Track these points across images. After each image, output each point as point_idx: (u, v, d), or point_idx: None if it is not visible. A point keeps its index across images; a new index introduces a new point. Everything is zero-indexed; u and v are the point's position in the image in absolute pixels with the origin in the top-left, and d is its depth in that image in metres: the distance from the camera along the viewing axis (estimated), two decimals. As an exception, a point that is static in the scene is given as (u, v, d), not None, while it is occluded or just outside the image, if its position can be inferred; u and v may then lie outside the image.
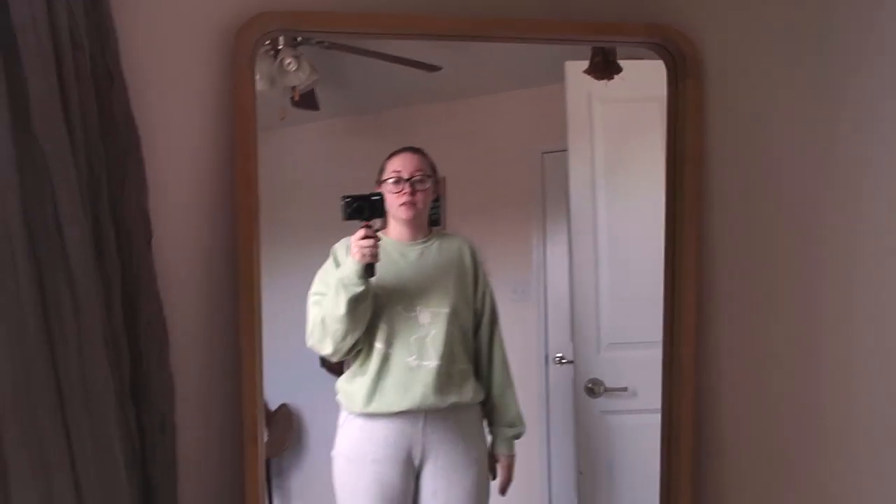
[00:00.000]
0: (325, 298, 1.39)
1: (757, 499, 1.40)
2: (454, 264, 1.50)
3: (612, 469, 1.62)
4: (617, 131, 1.64)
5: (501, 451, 1.54)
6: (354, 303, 1.36)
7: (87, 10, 0.99)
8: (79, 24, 0.97)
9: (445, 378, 1.42)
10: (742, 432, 1.42)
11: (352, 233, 1.40)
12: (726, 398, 1.41)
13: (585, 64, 1.53)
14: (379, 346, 1.41)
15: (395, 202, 1.49)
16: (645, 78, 1.49)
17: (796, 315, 1.36)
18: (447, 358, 1.42)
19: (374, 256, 1.36)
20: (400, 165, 1.48)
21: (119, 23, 1.05)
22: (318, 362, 1.78)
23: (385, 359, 1.41)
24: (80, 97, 0.98)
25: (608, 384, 1.57)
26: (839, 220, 1.32)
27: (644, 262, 1.50)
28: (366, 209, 1.36)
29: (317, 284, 1.42)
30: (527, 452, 1.68)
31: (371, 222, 1.37)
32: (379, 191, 1.46)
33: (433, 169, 1.53)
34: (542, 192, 1.78)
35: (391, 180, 1.47)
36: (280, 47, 1.49)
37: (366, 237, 1.35)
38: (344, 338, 1.39)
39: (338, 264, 1.41)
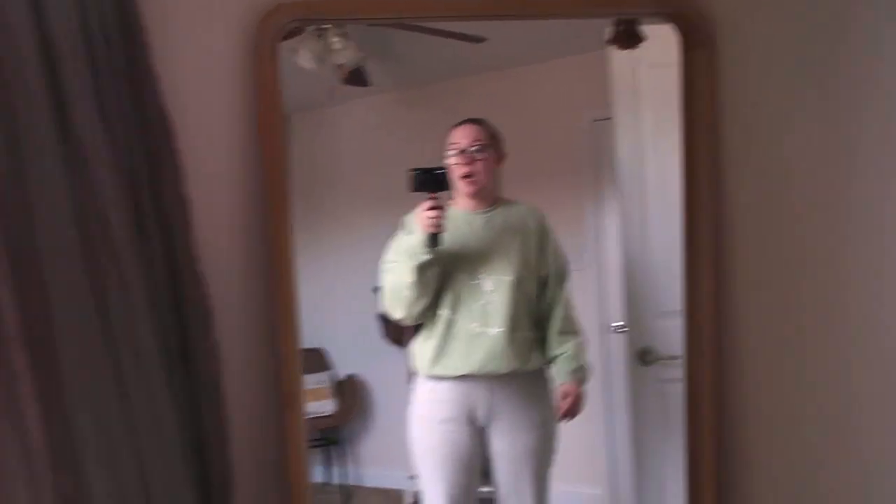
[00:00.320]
0: (396, 266, 1.46)
1: (783, 466, 1.39)
2: (519, 232, 1.52)
3: (667, 438, 1.59)
4: (664, 96, 1.57)
5: (560, 378, 1.55)
6: (421, 271, 1.43)
7: (116, 10, 1.07)
8: (110, 23, 1.06)
9: (507, 345, 1.47)
10: (765, 398, 1.41)
11: (418, 203, 1.47)
12: (748, 363, 1.40)
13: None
14: (444, 312, 1.48)
15: (456, 174, 1.53)
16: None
17: (817, 278, 1.34)
18: (509, 325, 1.46)
19: (439, 227, 1.42)
20: (458, 137, 1.53)
21: (148, 19, 1.13)
22: (382, 334, 1.85)
23: (449, 324, 1.48)
24: (115, 92, 1.07)
25: (660, 352, 1.54)
26: (857, 185, 1.30)
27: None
28: (431, 181, 1.41)
29: (390, 253, 1.50)
30: (586, 421, 1.69)
31: (437, 194, 1.41)
32: (445, 164, 1.50)
33: (495, 138, 1.54)
34: (594, 159, 1.75)
35: (452, 152, 1.49)
36: (326, 27, 1.52)
37: (431, 208, 1.40)
38: (413, 303, 1.46)
39: (408, 234, 1.48)
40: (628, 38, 1.48)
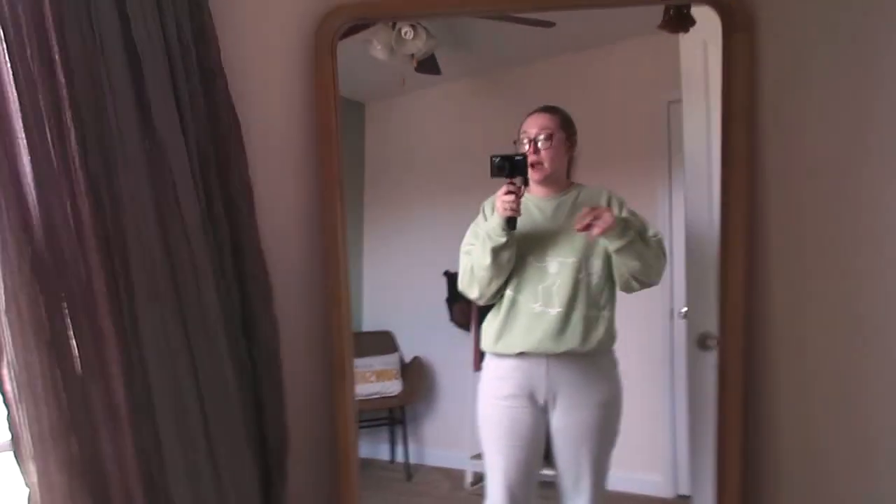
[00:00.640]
0: (474, 249, 1.53)
1: (809, 434, 1.39)
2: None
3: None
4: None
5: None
6: (497, 253, 1.48)
7: (191, 19, 1.20)
8: (185, 31, 1.19)
9: (565, 325, 1.50)
10: (793, 384, 1.41)
11: (495, 189, 1.51)
12: (777, 346, 1.42)
13: (702, 9, 1.45)
14: (509, 292, 1.53)
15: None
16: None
17: (849, 265, 1.33)
18: (569, 305, 1.49)
19: (516, 210, 1.46)
20: (528, 125, 1.56)
21: (218, 25, 1.26)
22: (448, 318, 1.89)
23: (513, 304, 1.52)
24: (189, 92, 1.20)
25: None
26: (890, 172, 1.27)
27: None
28: (508, 167, 1.45)
29: (468, 236, 1.57)
30: (651, 406, 1.68)
31: (515, 179, 1.46)
32: (523, 152, 1.53)
33: (565, 125, 1.56)
34: (668, 142, 1.70)
35: (523, 140, 1.54)
36: (397, 17, 1.56)
37: (508, 192, 1.44)
38: (489, 284, 1.51)
39: (486, 218, 1.54)
40: (678, 21, 1.47)
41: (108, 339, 1.17)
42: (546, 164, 1.55)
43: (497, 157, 1.45)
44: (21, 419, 1.10)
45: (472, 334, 1.75)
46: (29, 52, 1.07)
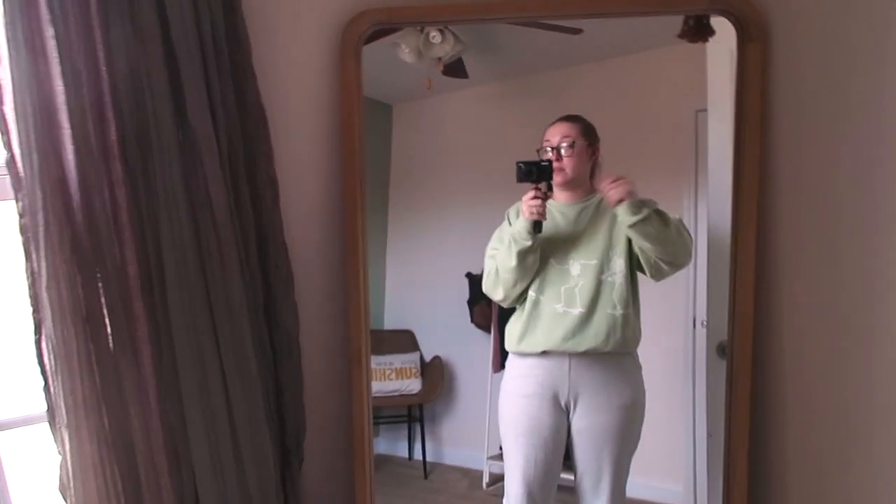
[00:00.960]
0: (498, 252, 1.57)
1: (816, 445, 1.40)
2: (609, 218, 1.55)
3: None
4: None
5: None
6: (523, 255, 1.51)
7: (226, 21, 1.28)
8: (219, 33, 1.27)
9: (587, 324, 1.51)
10: (800, 391, 1.42)
11: (519, 195, 1.54)
12: (787, 356, 1.43)
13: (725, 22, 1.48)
14: (532, 293, 1.55)
15: None
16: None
17: (857, 276, 1.34)
18: (592, 306, 1.51)
19: (541, 214, 1.50)
20: (550, 134, 1.59)
21: (250, 27, 1.33)
22: (468, 319, 1.91)
23: (535, 304, 1.55)
24: (221, 90, 1.27)
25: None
26: None
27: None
28: (534, 172, 1.50)
29: (493, 241, 1.60)
30: (670, 415, 1.66)
31: (540, 184, 1.50)
32: (549, 157, 1.57)
33: (587, 133, 1.59)
34: (695, 150, 1.69)
35: (546, 149, 1.57)
36: (425, 22, 1.60)
37: (534, 197, 1.49)
38: (513, 286, 1.54)
39: (510, 224, 1.58)
40: (697, 31, 1.49)
41: (138, 319, 1.24)
42: (568, 171, 1.57)
43: (523, 162, 1.50)
44: (57, 390, 1.18)
45: (492, 336, 1.77)
46: (76, 48, 1.15)
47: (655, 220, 1.48)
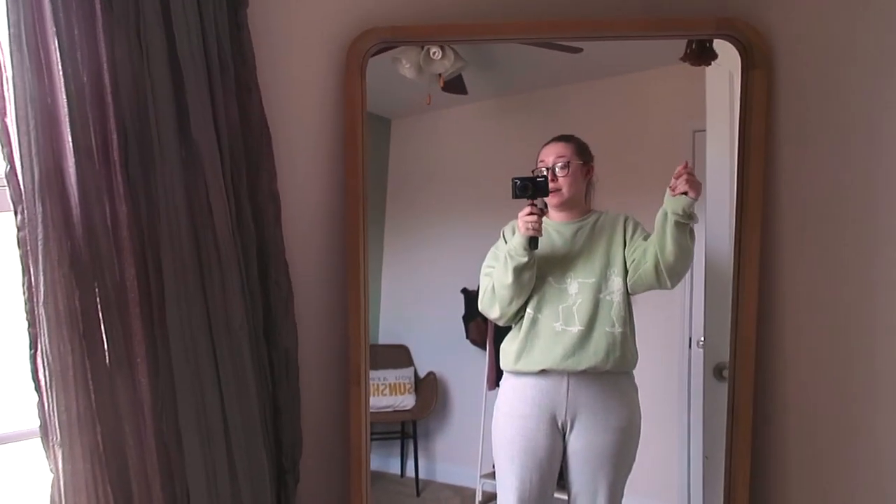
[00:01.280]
0: (495, 270, 1.56)
1: (818, 468, 1.41)
2: (606, 237, 1.56)
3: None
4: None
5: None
6: (520, 271, 1.51)
7: (231, 37, 1.28)
8: (225, 48, 1.27)
9: (586, 342, 1.51)
10: (805, 417, 1.43)
11: (515, 211, 1.54)
12: (789, 379, 1.43)
13: (726, 42, 1.50)
14: (529, 311, 1.55)
15: None
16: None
17: (863, 304, 1.35)
18: (590, 324, 1.51)
19: (537, 230, 1.50)
20: (545, 155, 1.60)
21: (255, 43, 1.33)
22: (463, 336, 1.90)
23: (534, 323, 1.54)
24: (225, 105, 1.27)
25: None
26: None
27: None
28: (531, 189, 1.50)
29: (488, 259, 1.60)
30: (665, 435, 1.66)
31: (536, 201, 1.51)
32: (544, 173, 1.57)
33: (581, 153, 1.60)
34: (693, 171, 1.70)
35: (541, 170, 1.58)
36: (426, 38, 1.60)
37: (530, 213, 1.49)
38: (510, 303, 1.54)
39: (506, 242, 1.57)
40: (700, 55, 1.50)
41: (136, 335, 1.23)
42: (564, 191, 1.57)
43: (519, 178, 1.50)
44: (51, 407, 1.16)
45: (487, 353, 1.76)
46: (80, 60, 1.15)
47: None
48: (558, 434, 1.54)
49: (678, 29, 1.46)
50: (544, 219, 1.54)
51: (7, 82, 1.11)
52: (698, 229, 1.65)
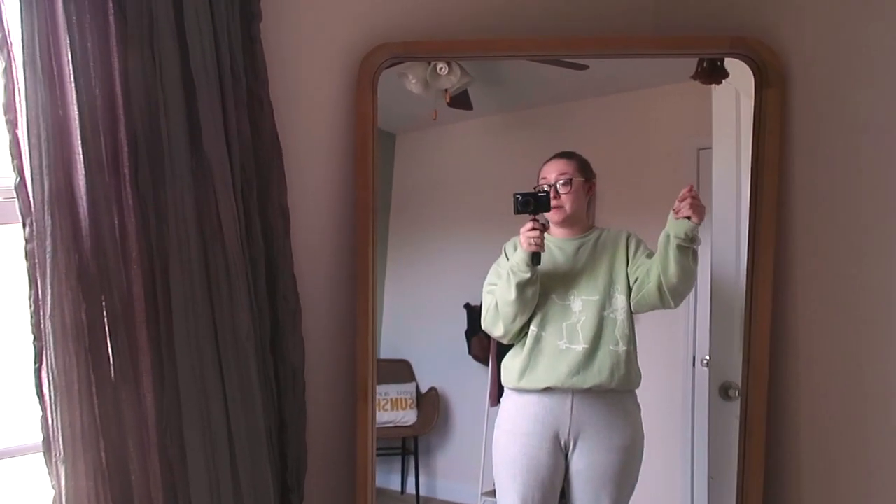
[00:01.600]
0: (497, 287, 1.55)
1: (832, 489, 1.38)
2: (609, 254, 1.56)
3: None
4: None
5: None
6: (522, 287, 1.50)
7: (244, 50, 1.28)
8: (238, 61, 1.26)
9: (591, 360, 1.50)
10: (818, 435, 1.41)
11: (518, 227, 1.54)
12: (802, 401, 1.42)
13: (735, 60, 1.50)
14: (533, 328, 1.54)
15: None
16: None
17: (878, 325, 1.33)
18: (595, 342, 1.51)
19: (540, 246, 1.49)
20: (547, 172, 1.60)
21: (268, 57, 1.32)
22: (466, 351, 1.89)
23: (537, 340, 1.53)
24: (237, 120, 1.26)
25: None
26: None
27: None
28: (532, 204, 1.50)
29: (490, 276, 1.59)
30: (668, 455, 1.65)
31: (538, 216, 1.50)
32: (547, 189, 1.57)
33: (583, 170, 1.60)
34: (697, 189, 1.70)
35: (543, 186, 1.57)
36: (432, 54, 1.61)
37: (532, 229, 1.49)
38: (513, 320, 1.53)
39: (508, 258, 1.57)
40: (711, 73, 1.51)
41: (142, 349, 1.21)
42: (567, 207, 1.57)
43: (521, 194, 1.50)
44: (55, 422, 1.14)
45: (489, 368, 1.75)
46: (92, 72, 1.14)
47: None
48: (560, 453, 1.53)
49: (692, 48, 1.46)
50: (546, 235, 1.54)
51: (19, 94, 1.10)
52: (703, 247, 1.65)
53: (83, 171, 1.14)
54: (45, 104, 1.09)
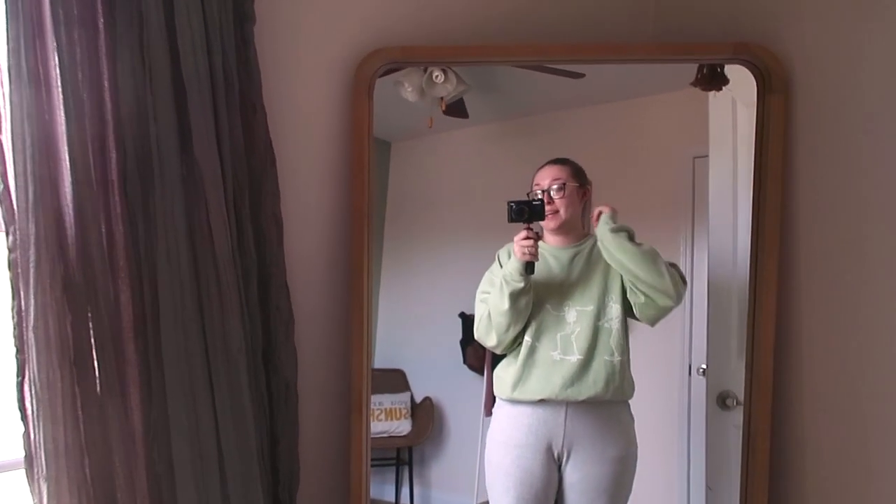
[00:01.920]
0: (490, 296, 1.53)
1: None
2: (604, 262, 1.54)
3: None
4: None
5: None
6: (516, 297, 1.48)
7: (237, 54, 1.25)
8: (231, 65, 1.23)
9: (586, 372, 1.49)
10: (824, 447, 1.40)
11: (514, 235, 1.52)
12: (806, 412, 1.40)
13: (732, 67, 1.49)
14: (527, 339, 1.52)
15: None
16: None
17: (882, 336, 1.31)
18: (589, 353, 1.49)
19: (534, 255, 1.48)
20: (541, 178, 1.58)
21: (262, 61, 1.30)
22: (461, 360, 1.87)
23: (532, 351, 1.51)
24: (230, 126, 1.23)
25: (741, 397, 1.49)
26: None
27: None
28: (527, 212, 1.48)
29: (483, 284, 1.57)
30: (664, 465, 1.63)
31: (532, 225, 1.48)
32: (541, 197, 1.55)
33: (577, 176, 1.59)
34: (692, 197, 1.70)
35: (536, 193, 1.56)
36: (427, 62, 1.60)
37: (527, 238, 1.47)
38: (507, 330, 1.51)
39: (501, 266, 1.54)
40: (711, 80, 1.50)
41: (129, 362, 1.18)
42: (561, 212, 1.56)
43: (515, 202, 1.48)
44: (37, 437, 1.10)
45: (484, 378, 1.73)
46: (80, 76, 1.11)
47: (630, 242, 1.50)
48: (554, 464, 1.51)
49: (694, 54, 1.45)
50: (540, 243, 1.52)
51: (3, 98, 1.07)
52: (700, 255, 1.64)
53: (69, 179, 1.11)
54: (31, 109, 1.06)
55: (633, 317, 1.51)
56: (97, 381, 1.15)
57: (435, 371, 1.92)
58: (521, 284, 1.47)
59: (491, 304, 1.51)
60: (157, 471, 1.19)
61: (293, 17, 1.40)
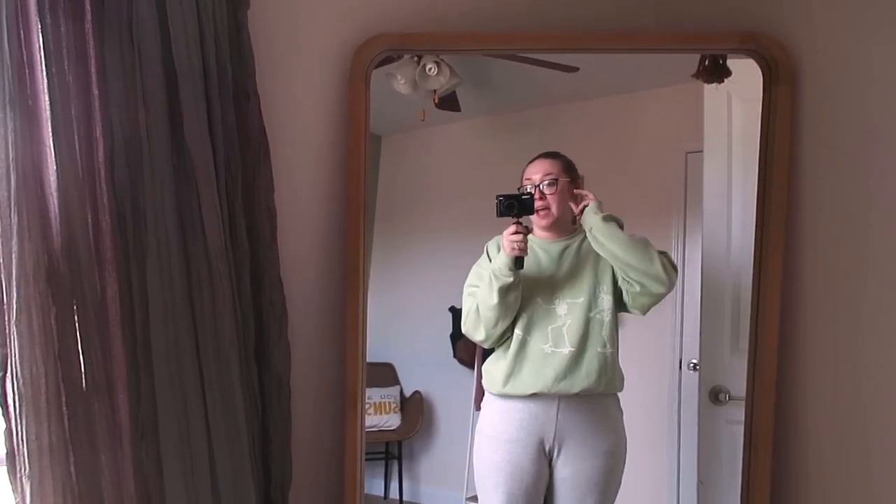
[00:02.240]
0: (478, 290, 1.51)
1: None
2: (594, 255, 1.53)
3: (732, 482, 1.50)
4: (755, 130, 1.53)
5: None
6: (505, 292, 1.46)
7: (230, 39, 1.21)
8: (223, 51, 1.20)
9: (578, 364, 1.48)
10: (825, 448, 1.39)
11: (504, 230, 1.50)
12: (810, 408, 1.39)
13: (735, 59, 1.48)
14: (518, 332, 1.50)
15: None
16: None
17: (887, 321, 1.30)
18: (581, 345, 1.48)
19: (523, 250, 1.45)
20: (532, 172, 1.56)
21: (255, 47, 1.26)
22: (451, 354, 1.86)
23: (523, 344, 1.50)
24: (222, 113, 1.20)
25: (734, 392, 1.49)
26: None
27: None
28: (516, 207, 1.46)
29: (471, 277, 1.55)
30: (654, 459, 1.63)
31: (521, 219, 1.46)
32: (530, 191, 1.53)
33: (568, 171, 1.57)
34: (684, 192, 1.70)
35: (527, 187, 1.54)
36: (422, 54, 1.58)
37: (516, 232, 1.45)
38: (495, 325, 1.49)
39: (490, 259, 1.52)
40: (713, 71, 1.48)
41: (116, 356, 1.15)
42: (553, 209, 1.54)
43: (504, 196, 1.46)
44: (20, 434, 1.07)
45: (475, 372, 1.72)
46: (66, 62, 1.07)
47: (619, 230, 1.49)
48: (545, 459, 1.50)
49: (699, 43, 1.43)
50: (530, 237, 1.51)
51: (-16, 80, 1.03)
52: (693, 250, 1.64)
53: (54, 166, 1.07)
54: (13, 93, 1.02)
55: (625, 309, 1.50)
56: (83, 377, 1.11)
57: (424, 365, 1.91)
58: (511, 279, 1.45)
59: (479, 298, 1.49)
60: (145, 470, 1.16)
61: (288, 2, 1.36)
